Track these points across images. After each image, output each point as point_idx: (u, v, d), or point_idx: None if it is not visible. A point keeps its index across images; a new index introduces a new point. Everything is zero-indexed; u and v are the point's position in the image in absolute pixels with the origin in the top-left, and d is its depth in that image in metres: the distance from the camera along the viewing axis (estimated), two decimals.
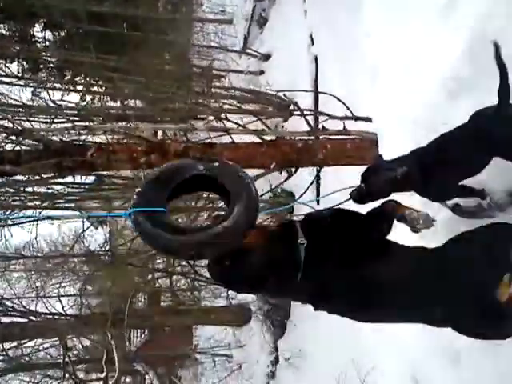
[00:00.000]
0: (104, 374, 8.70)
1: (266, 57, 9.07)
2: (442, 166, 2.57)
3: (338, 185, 5.20)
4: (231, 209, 2.02)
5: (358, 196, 2.50)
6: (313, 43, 7.05)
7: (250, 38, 9.98)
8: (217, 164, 2.17)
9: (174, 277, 9.92)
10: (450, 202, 3.02)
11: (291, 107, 7.20)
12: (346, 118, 4.76)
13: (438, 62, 2.86)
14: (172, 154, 4.82)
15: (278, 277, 2.05)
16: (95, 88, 8.22)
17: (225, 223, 1.96)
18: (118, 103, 7.79)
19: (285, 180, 6.09)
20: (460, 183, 2.75)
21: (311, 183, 5.91)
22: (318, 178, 6.82)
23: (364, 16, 3.66)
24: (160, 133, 9.04)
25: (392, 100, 3.32)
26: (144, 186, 2.09)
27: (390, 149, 3.42)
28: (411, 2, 3.14)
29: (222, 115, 5.32)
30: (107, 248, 9.65)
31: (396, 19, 3.27)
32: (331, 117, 4.80)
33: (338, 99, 4.75)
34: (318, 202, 5.27)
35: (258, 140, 4.82)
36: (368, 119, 4.64)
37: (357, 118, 4.76)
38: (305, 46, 7.14)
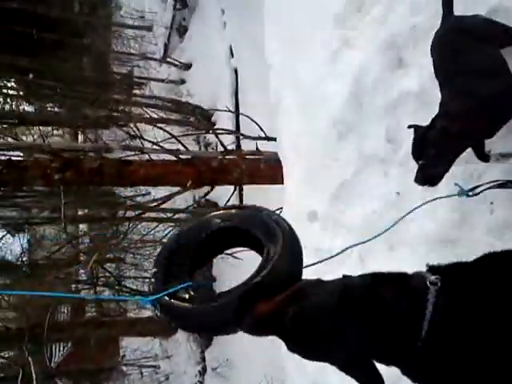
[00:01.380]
0: None
1: (187, 66, 9.23)
2: (472, 78, 2.22)
3: (262, 197, 5.51)
4: (266, 255, 1.60)
5: (425, 174, 2.18)
6: (232, 55, 7.31)
7: (170, 46, 10.06)
8: (234, 211, 1.84)
9: (99, 288, 9.84)
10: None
11: (213, 118, 7.48)
12: (259, 138, 5.06)
13: (328, 103, 3.20)
14: (87, 172, 4.91)
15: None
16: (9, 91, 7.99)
17: (262, 273, 1.53)
18: (34, 107, 7.65)
19: (207, 193, 6.34)
20: None
21: (231, 195, 6.18)
22: (240, 190, 7.12)
23: (266, 45, 3.92)
24: (81, 138, 8.98)
25: (291, 128, 3.62)
26: (159, 265, 1.79)
27: (290, 174, 3.71)
28: (308, 40, 3.43)
29: (138, 131, 5.44)
30: (25, 259, 9.41)
31: (294, 53, 3.57)
32: (245, 137, 5.09)
33: (253, 120, 5.03)
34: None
35: (174, 158, 5.01)
36: (273, 139, 4.96)
37: (269, 139, 5.08)
38: (225, 58, 7.38)
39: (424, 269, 1.48)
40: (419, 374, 1.40)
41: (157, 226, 7.43)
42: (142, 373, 10.89)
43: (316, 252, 3.38)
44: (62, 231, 8.10)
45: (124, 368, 11.18)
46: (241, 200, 7.35)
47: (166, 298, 1.61)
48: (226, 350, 8.58)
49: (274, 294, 1.45)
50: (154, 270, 1.79)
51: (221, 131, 6.20)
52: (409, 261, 2.88)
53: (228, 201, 6.51)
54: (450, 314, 1.33)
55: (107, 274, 9.04)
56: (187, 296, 1.63)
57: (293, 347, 1.45)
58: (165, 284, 1.66)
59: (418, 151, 2.21)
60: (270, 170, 4.96)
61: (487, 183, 2.38)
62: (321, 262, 1.95)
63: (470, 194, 2.38)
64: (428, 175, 2.19)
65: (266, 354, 6.62)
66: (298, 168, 3.58)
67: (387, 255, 2.99)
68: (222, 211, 1.84)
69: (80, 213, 8.28)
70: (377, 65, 3.00)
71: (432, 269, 1.45)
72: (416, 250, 2.83)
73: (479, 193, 2.37)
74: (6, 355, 9.41)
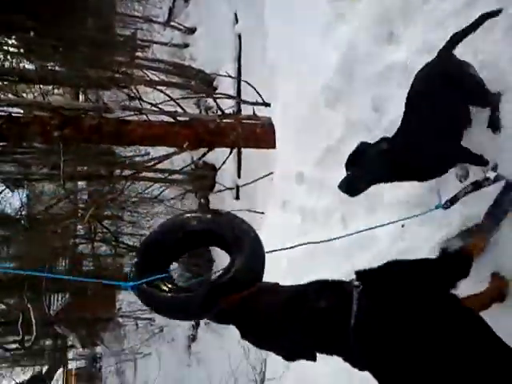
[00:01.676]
0: (20, 337, 8.96)
1: (191, 30, 9.23)
2: (426, 126, 2.37)
3: (257, 160, 5.69)
4: (232, 260, 1.96)
5: (349, 185, 2.38)
6: (237, 21, 7.36)
7: (175, 10, 10.01)
8: (209, 216, 2.12)
9: (96, 243, 10.16)
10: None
11: (214, 83, 7.60)
12: (256, 103, 5.24)
13: (319, 72, 3.39)
14: (86, 129, 5.09)
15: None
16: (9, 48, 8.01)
17: (226, 276, 1.90)
18: (34, 65, 7.69)
19: (203, 154, 6.55)
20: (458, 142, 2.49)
21: (227, 157, 6.40)
22: (239, 154, 7.33)
23: (266, 16, 4.07)
24: (81, 97, 9.07)
25: (284, 94, 3.82)
26: (140, 255, 2.11)
27: (280, 138, 3.94)
28: (304, 12, 3.59)
29: (138, 93, 5.59)
30: (24, 213, 9.66)
31: (290, 25, 3.73)
32: (242, 102, 5.26)
33: (251, 86, 5.20)
34: None
35: (172, 120, 5.19)
36: (270, 105, 5.13)
37: (266, 105, 5.26)
38: (229, 23, 7.44)
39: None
40: (353, 357, 1.81)
41: (152, 185, 7.67)
42: (137, 324, 11.35)
43: (300, 210, 3.69)
44: (60, 187, 8.33)
45: (120, 319, 11.65)
46: (239, 163, 7.57)
47: (145, 285, 1.93)
48: None
49: (236, 291, 1.86)
50: (135, 259, 2.14)
51: (220, 96, 6.35)
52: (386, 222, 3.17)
53: (224, 163, 6.74)
54: (369, 310, 1.77)
55: (105, 230, 9.35)
56: (163, 287, 1.96)
57: (245, 337, 1.90)
58: (143, 273, 1.97)
59: (352, 161, 2.42)
60: (264, 135, 5.15)
61: (462, 190, 2.55)
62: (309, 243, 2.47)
63: (446, 206, 2.57)
64: (351, 187, 2.43)
65: None
66: (288, 133, 3.81)
67: (367, 217, 3.27)
68: (199, 214, 2.17)
69: (79, 170, 8.48)
70: (368, 38, 3.18)
71: (358, 274, 1.92)
72: (393, 212, 3.10)
73: (455, 203, 2.57)
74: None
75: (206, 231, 2.07)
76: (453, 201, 2.57)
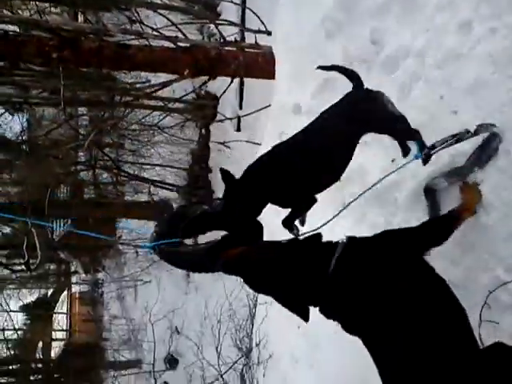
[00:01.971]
0: (25, 260, 9.34)
1: None
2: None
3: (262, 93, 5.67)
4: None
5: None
6: None
7: None
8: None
9: (97, 171, 10.33)
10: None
11: (218, 9, 7.38)
12: (258, 31, 5.14)
13: (320, 3, 3.33)
14: (86, 52, 5.06)
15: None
16: None
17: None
18: None
19: (204, 83, 6.52)
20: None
21: (228, 85, 6.38)
22: (241, 85, 7.28)
23: None
24: (80, 18, 8.83)
25: (285, 24, 3.76)
26: (160, 228, 2.61)
27: (279, 69, 3.93)
28: None
29: (139, 16, 5.48)
30: (24, 137, 9.74)
31: None
32: (245, 30, 5.16)
33: (254, 13, 5.08)
34: None
35: (173, 46, 5.13)
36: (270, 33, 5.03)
37: (269, 33, 5.16)
38: None
39: None
40: (329, 304, 2.03)
41: (152, 113, 7.67)
42: (137, 252, 11.78)
43: None
44: (61, 112, 8.34)
45: (120, 247, 12.06)
46: (241, 94, 7.53)
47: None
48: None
49: (239, 245, 2.15)
50: (156, 229, 2.61)
51: (223, 22, 6.20)
52: (379, 156, 3.26)
53: (225, 91, 6.71)
54: (347, 262, 2.01)
55: (106, 158, 9.48)
56: None
57: (248, 284, 2.15)
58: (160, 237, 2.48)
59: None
60: (265, 65, 5.12)
61: (440, 141, 2.62)
62: None
63: (424, 157, 2.66)
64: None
65: None
66: (287, 63, 3.80)
67: (361, 150, 3.35)
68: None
69: (79, 94, 8.44)
70: None
71: (349, 238, 2.12)
72: (386, 146, 3.17)
73: (432, 154, 2.65)
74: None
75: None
76: (430, 151, 2.65)
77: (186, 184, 9.89)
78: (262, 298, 4.55)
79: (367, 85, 3.31)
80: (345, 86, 3.44)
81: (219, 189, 9.27)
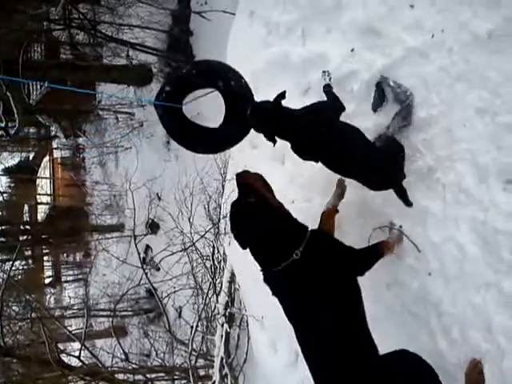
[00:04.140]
0: (3, 125, 9.71)
1: None
2: None
3: None
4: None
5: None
6: None
7: None
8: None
9: (73, 30, 10.21)
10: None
11: None
12: None
13: None
14: None
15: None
16: None
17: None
18: None
19: None
20: None
21: None
22: None
23: None
24: None
25: None
26: (167, 84, 3.12)
27: None
28: None
29: None
30: None
31: None
32: None
33: None
34: None
35: None
36: None
37: None
38: None
39: None
40: (287, 283, 2.67)
41: None
42: (117, 118, 12.13)
43: (266, 23, 4.02)
44: None
45: (100, 112, 12.37)
46: None
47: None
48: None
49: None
50: (167, 87, 3.04)
51: None
52: (340, 44, 3.59)
53: None
54: (312, 248, 2.67)
55: (81, 17, 9.36)
56: None
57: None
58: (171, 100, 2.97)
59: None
60: None
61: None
62: None
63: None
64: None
65: None
66: None
67: (324, 37, 3.67)
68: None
69: None
70: None
71: (312, 231, 2.78)
72: (346, 35, 3.50)
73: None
74: None
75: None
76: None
77: (165, 47, 9.94)
78: (230, 174, 5.13)
79: None
80: None
81: (200, 53, 9.34)
